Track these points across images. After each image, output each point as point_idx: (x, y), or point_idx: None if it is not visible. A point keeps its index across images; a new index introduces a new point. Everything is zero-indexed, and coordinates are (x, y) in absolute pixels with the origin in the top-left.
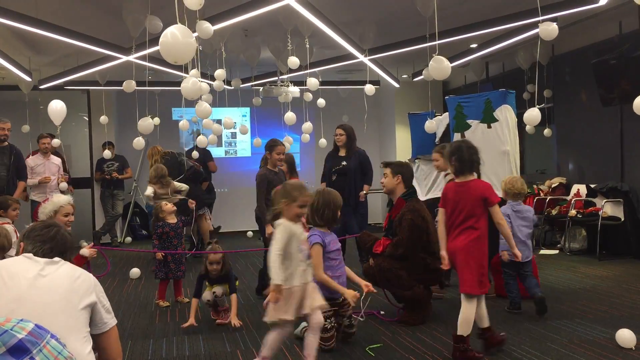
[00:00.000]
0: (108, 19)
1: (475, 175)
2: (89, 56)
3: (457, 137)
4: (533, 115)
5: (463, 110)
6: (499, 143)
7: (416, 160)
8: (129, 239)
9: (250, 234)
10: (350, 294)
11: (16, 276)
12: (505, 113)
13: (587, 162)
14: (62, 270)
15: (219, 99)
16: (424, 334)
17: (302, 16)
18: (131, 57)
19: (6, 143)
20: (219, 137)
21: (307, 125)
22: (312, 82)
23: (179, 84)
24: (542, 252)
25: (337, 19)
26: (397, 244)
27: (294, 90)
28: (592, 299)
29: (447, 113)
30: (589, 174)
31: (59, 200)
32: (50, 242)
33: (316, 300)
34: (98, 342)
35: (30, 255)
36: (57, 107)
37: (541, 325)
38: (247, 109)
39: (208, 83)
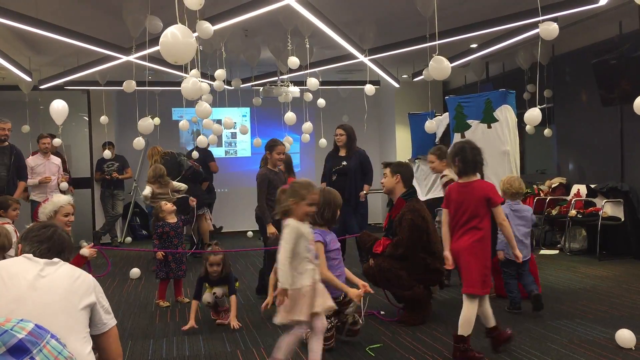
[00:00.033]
0: (108, 19)
1: (478, 176)
2: (89, 56)
3: (457, 137)
4: (534, 115)
5: (463, 110)
6: (499, 143)
7: (416, 161)
8: (129, 239)
9: (250, 234)
10: (354, 293)
11: (16, 277)
12: (506, 113)
13: (587, 162)
14: (62, 271)
15: (219, 99)
16: (424, 334)
17: (302, 16)
18: (131, 57)
19: (6, 143)
20: (219, 137)
21: (307, 125)
22: (312, 82)
23: (179, 84)
24: (542, 252)
25: (337, 19)
26: (397, 243)
27: (294, 90)
28: (592, 299)
29: (447, 113)
30: (589, 174)
31: (59, 200)
32: (47, 242)
33: (326, 301)
34: (98, 342)
35: (30, 255)
36: (59, 107)
37: (541, 325)
38: (247, 109)
39: (208, 83)
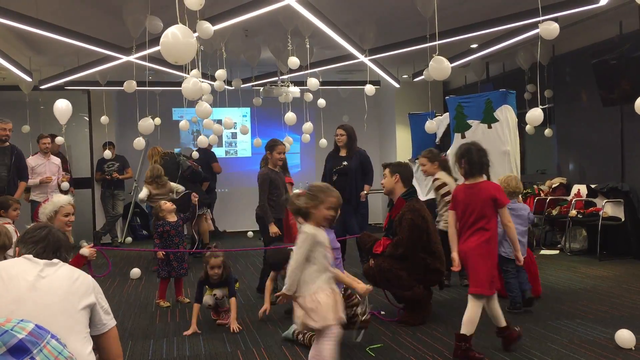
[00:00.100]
0: (108, 19)
1: (484, 177)
2: (89, 56)
3: (457, 137)
4: (535, 115)
5: (463, 111)
6: (499, 143)
7: (416, 161)
8: (129, 239)
9: (250, 234)
10: (362, 288)
11: (16, 277)
12: (506, 113)
13: (588, 162)
14: (61, 272)
15: (220, 99)
16: (424, 334)
17: (303, 16)
18: (131, 58)
19: (7, 143)
20: (220, 137)
21: (308, 126)
22: (313, 83)
23: (179, 84)
24: (543, 252)
25: (338, 19)
26: (397, 243)
27: (295, 91)
28: (593, 299)
29: (447, 113)
30: (589, 174)
31: (59, 200)
32: (42, 242)
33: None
34: (98, 343)
35: (30, 256)
36: (62, 107)
37: (541, 325)
38: (248, 109)
39: (209, 83)
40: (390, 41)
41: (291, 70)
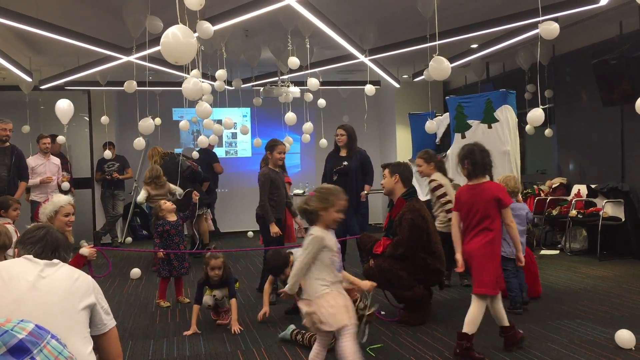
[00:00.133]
0: (108, 19)
1: (487, 178)
2: (89, 56)
3: (457, 137)
4: (536, 115)
5: (463, 111)
6: (499, 143)
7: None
8: (129, 239)
9: (250, 234)
10: (366, 285)
11: (16, 277)
12: (506, 113)
13: (588, 163)
14: (61, 272)
15: (220, 99)
16: (424, 334)
17: (303, 16)
18: (132, 58)
19: (8, 144)
20: (220, 137)
21: (308, 126)
22: (313, 83)
23: (179, 84)
24: (543, 252)
25: (338, 19)
26: (397, 243)
27: (295, 91)
28: (593, 299)
29: (447, 113)
30: (589, 174)
31: (59, 200)
32: (40, 242)
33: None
34: (98, 343)
35: (30, 257)
36: (64, 107)
37: (541, 325)
38: (248, 109)
39: (209, 83)
40: (390, 41)
41: (291, 70)
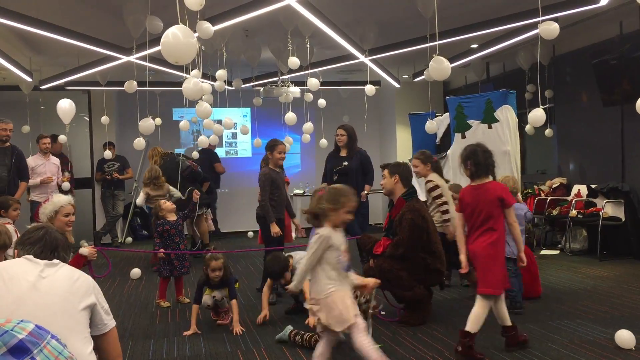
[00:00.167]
0: (109, 19)
1: (490, 178)
2: (89, 56)
3: (457, 137)
4: (537, 115)
5: (464, 111)
6: (499, 143)
7: None
8: (129, 239)
9: (250, 234)
10: (371, 281)
11: (16, 278)
12: (506, 113)
13: (588, 163)
14: (62, 272)
15: (220, 100)
16: (424, 334)
17: (303, 16)
18: (132, 58)
19: (8, 144)
20: (220, 137)
21: (308, 126)
22: (313, 83)
23: (180, 84)
24: (543, 252)
25: (338, 19)
26: (398, 243)
27: (295, 91)
28: (593, 299)
29: (447, 113)
30: (589, 174)
31: (59, 200)
32: (39, 242)
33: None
34: (98, 343)
35: (31, 257)
36: (65, 106)
37: (542, 325)
38: (248, 109)
39: (210, 84)
40: (390, 41)
41: (291, 71)
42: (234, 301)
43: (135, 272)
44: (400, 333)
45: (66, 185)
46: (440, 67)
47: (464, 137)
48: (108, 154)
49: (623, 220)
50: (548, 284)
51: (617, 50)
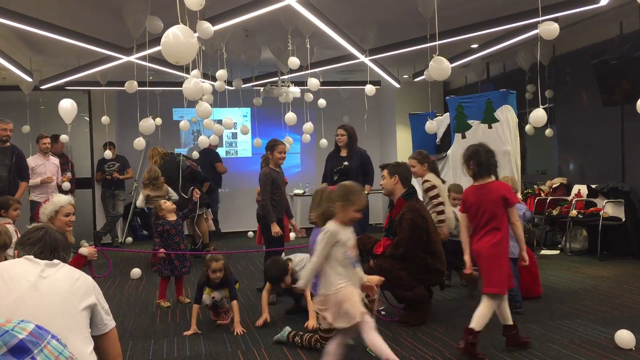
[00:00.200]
0: (109, 19)
1: (493, 178)
2: (89, 56)
3: (457, 137)
4: (539, 116)
5: (464, 111)
6: (499, 143)
7: None
8: (129, 239)
9: (251, 234)
10: (375, 279)
11: (17, 278)
12: (506, 113)
13: (588, 163)
14: (62, 272)
15: (220, 100)
16: (424, 334)
17: (303, 16)
18: (132, 58)
19: (8, 144)
20: (220, 137)
21: (308, 126)
22: (313, 83)
23: (180, 84)
24: (543, 252)
25: (338, 20)
26: (398, 243)
27: (295, 91)
28: (593, 299)
29: (447, 113)
30: (589, 174)
31: (59, 200)
32: (39, 242)
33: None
34: (98, 343)
35: (31, 257)
36: (67, 106)
37: (542, 325)
38: (248, 109)
39: (210, 84)
40: (390, 41)
41: (291, 71)
42: (234, 302)
43: (136, 272)
44: (400, 333)
45: (66, 185)
46: (440, 67)
47: (464, 137)
48: (108, 154)
49: (623, 220)
50: (548, 284)
51: (617, 50)
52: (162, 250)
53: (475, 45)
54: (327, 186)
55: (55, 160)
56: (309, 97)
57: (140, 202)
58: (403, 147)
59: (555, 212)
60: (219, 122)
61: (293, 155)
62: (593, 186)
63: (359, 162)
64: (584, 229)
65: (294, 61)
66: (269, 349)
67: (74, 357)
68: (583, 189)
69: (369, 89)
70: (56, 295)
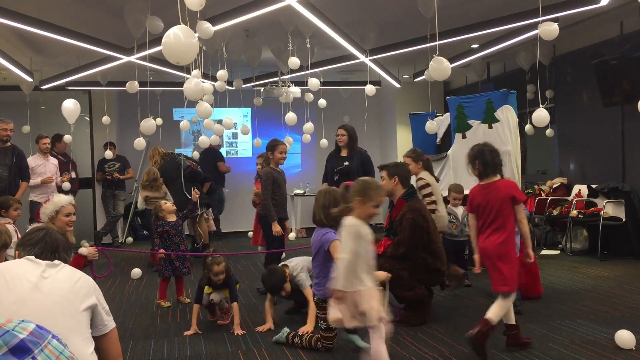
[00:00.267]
0: (109, 20)
1: (499, 177)
2: (90, 56)
3: (458, 137)
4: (541, 116)
5: (464, 111)
6: (500, 143)
7: None
8: (130, 239)
9: (251, 234)
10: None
11: (18, 278)
12: (507, 113)
13: (589, 163)
14: (63, 273)
15: (220, 100)
16: (425, 334)
17: (303, 17)
18: (132, 58)
19: (9, 144)
20: (220, 137)
21: (308, 126)
22: (313, 83)
23: (180, 84)
24: (544, 252)
25: (338, 20)
26: (399, 243)
27: (295, 91)
28: (594, 299)
29: (448, 113)
30: (590, 174)
31: (60, 200)
32: (39, 243)
33: (384, 309)
34: (98, 343)
35: (32, 257)
36: (70, 106)
37: (542, 325)
38: (249, 109)
39: (211, 84)
40: (390, 41)
41: (292, 71)
42: (235, 304)
43: (136, 272)
44: (400, 333)
45: (66, 185)
46: (440, 67)
47: (464, 137)
48: (109, 154)
49: (623, 220)
50: (549, 284)
51: (617, 51)
52: (161, 250)
53: (475, 45)
54: (329, 186)
55: (54, 161)
56: (309, 97)
57: (140, 203)
58: (403, 147)
59: (555, 212)
60: (219, 122)
61: (293, 155)
62: (593, 186)
63: (359, 162)
64: (584, 229)
65: (294, 61)
66: (269, 349)
67: (75, 357)
68: (583, 189)
69: (369, 89)
70: (57, 295)
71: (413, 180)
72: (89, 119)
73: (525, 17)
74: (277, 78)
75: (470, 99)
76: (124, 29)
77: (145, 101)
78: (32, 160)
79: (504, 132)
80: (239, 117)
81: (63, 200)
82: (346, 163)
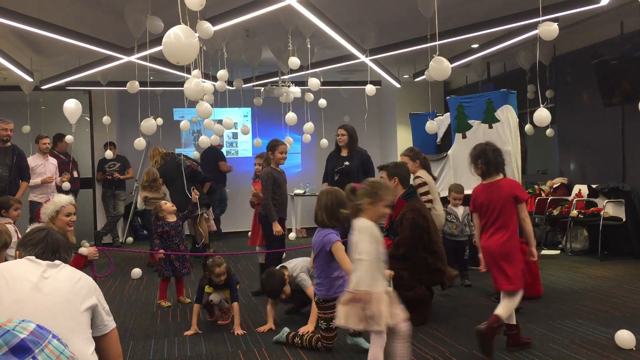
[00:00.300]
0: (109, 19)
1: (501, 176)
2: (90, 56)
3: (458, 137)
4: (542, 116)
5: (464, 111)
6: (500, 143)
7: None
8: (130, 239)
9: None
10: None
11: (18, 278)
12: (507, 113)
13: (589, 163)
14: (63, 273)
15: (221, 100)
16: (425, 334)
17: (304, 16)
18: (133, 58)
19: (9, 144)
20: (221, 137)
21: (309, 126)
22: (314, 83)
23: (180, 84)
24: (544, 252)
25: (339, 20)
26: (399, 243)
27: (295, 91)
28: (594, 299)
29: (448, 113)
30: (590, 174)
31: (60, 200)
32: (40, 243)
33: (400, 310)
34: (99, 344)
35: (33, 258)
36: (71, 106)
37: (542, 325)
38: (249, 109)
39: (211, 84)
40: (391, 41)
41: (292, 71)
42: (235, 304)
43: (136, 272)
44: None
45: (66, 185)
46: (440, 67)
47: (464, 137)
48: (109, 154)
49: (624, 220)
50: (549, 284)
51: (617, 51)
52: (161, 251)
53: (475, 45)
54: (330, 186)
55: (53, 161)
56: (310, 97)
57: (140, 204)
58: (403, 147)
59: (555, 212)
60: (220, 122)
61: (293, 155)
62: (594, 186)
63: (359, 162)
64: (584, 229)
65: (294, 61)
66: (269, 348)
67: (75, 357)
68: (584, 189)
69: (370, 89)
70: (58, 296)
71: (411, 179)
72: (89, 119)
73: (525, 17)
74: (277, 78)
75: (471, 99)
76: (124, 29)
77: (146, 101)
78: (32, 160)
79: (504, 132)
80: (239, 117)
81: (63, 200)
82: (346, 163)
